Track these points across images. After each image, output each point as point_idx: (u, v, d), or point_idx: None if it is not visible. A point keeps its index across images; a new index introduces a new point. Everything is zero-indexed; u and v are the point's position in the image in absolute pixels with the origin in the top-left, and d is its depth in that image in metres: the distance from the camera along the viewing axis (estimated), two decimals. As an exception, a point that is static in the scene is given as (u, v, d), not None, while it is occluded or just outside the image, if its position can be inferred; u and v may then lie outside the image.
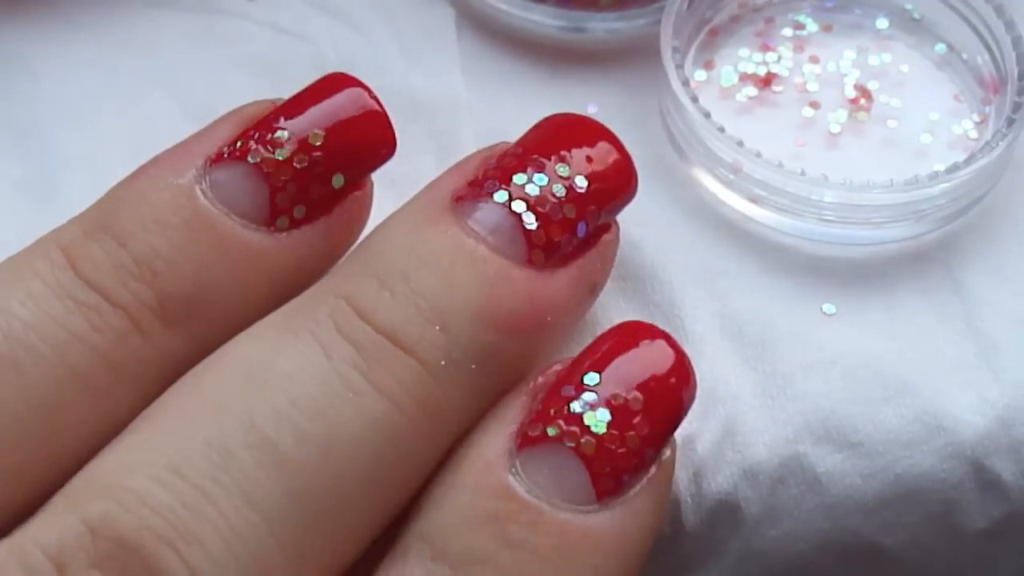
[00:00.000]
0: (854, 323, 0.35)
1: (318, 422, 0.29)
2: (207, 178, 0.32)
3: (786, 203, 0.36)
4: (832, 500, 0.34)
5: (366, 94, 0.33)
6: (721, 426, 0.34)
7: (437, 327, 0.30)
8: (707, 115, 0.37)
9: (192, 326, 0.31)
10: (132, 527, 0.28)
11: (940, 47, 0.40)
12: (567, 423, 0.30)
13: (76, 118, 0.38)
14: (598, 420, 0.30)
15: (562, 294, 0.32)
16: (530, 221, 0.32)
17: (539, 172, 0.33)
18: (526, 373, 0.32)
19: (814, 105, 0.38)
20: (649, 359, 0.31)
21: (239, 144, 0.32)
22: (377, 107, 0.33)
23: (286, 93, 0.34)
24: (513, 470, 0.30)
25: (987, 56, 0.39)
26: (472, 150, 0.37)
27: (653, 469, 0.31)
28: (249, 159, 0.32)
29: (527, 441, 0.30)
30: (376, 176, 0.35)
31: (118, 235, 0.31)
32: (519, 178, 0.32)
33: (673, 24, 0.38)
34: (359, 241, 0.34)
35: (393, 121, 0.35)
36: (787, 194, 0.36)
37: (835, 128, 0.38)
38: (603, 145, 0.34)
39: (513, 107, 0.39)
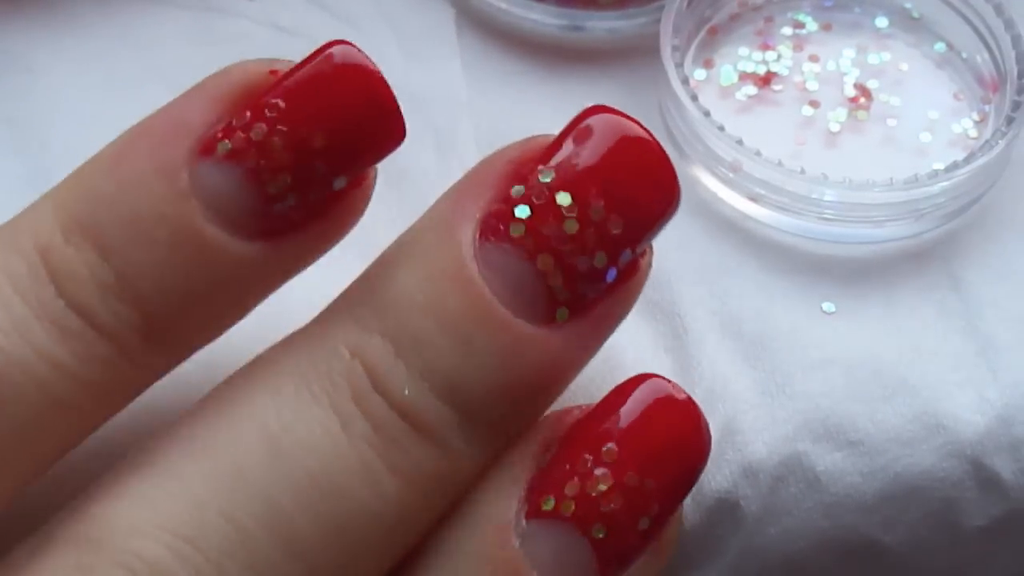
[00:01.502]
0: (854, 321, 0.35)
1: (334, 502, 0.28)
2: (195, 171, 0.29)
3: (786, 202, 0.36)
4: (832, 499, 0.34)
5: (368, 66, 0.31)
6: (721, 424, 0.34)
7: (450, 407, 0.29)
8: (707, 114, 0.37)
9: (175, 342, 0.30)
10: None
11: (939, 46, 0.40)
12: (579, 504, 0.29)
13: (75, 115, 0.38)
14: (611, 506, 0.29)
15: (581, 351, 0.30)
16: (557, 283, 0.30)
17: (570, 218, 0.29)
18: (538, 416, 0.31)
19: (814, 104, 0.38)
20: (670, 434, 0.30)
21: (229, 139, 0.29)
22: (374, 68, 0.31)
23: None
24: (519, 536, 0.29)
25: (986, 55, 0.39)
26: (472, 149, 0.38)
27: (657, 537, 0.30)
28: (238, 161, 0.29)
29: (536, 512, 0.29)
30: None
31: (100, 245, 0.29)
32: (547, 228, 0.29)
33: (673, 23, 0.38)
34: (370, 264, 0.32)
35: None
36: (787, 193, 0.36)
37: (835, 127, 0.38)
38: (647, 161, 0.30)
39: (513, 106, 0.39)
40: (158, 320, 0.29)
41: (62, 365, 0.28)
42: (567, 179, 0.30)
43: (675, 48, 0.38)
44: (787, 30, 0.40)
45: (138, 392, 0.30)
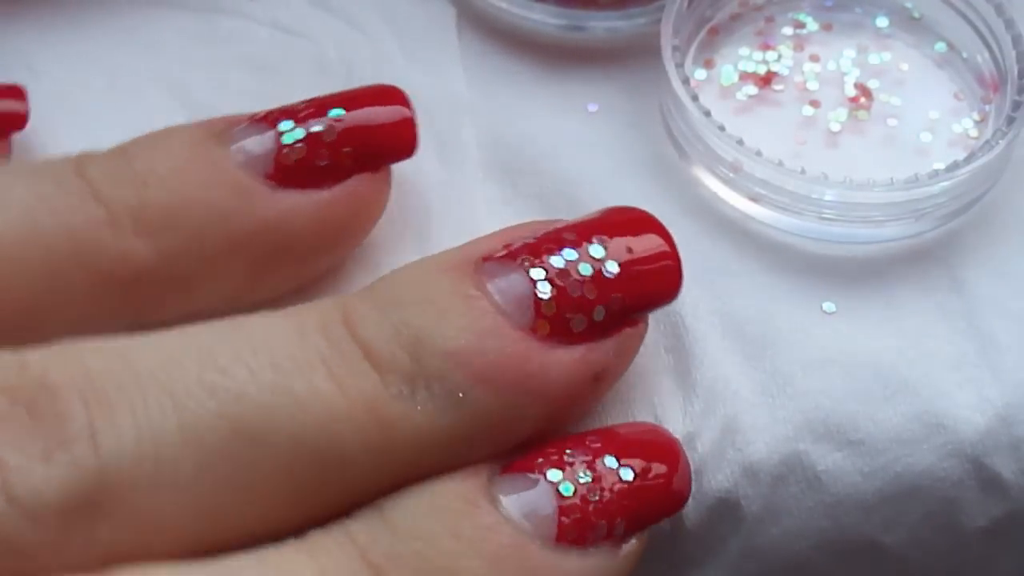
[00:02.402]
0: (854, 321, 0.35)
1: (268, 374, 0.30)
2: (227, 133, 0.33)
3: (786, 202, 0.36)
4: (832, 498, 0.34)
5: (404, 108, 0.35)
6: (721, 424, 0.34)
7: (409, 355, 0.30)
8: (707, 114, 0.37)
9: (163, 240, 0.32)
10: (61, 374, 0.29)
11: (940, 46, 0.40)
12: (554, 461, 0.31)
13: (76, 116, 0.38)
14: (585, 472, 0.30)
15: (557, 370, 0.31)
16: (544, 290, 0.31)
17: (572, 248, 0.32)
18: (505, 445, 0.31)
19: (814, 104, 0.38)
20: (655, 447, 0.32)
21: (268, 115, 0.34)
22: (409, 114, 0.35)
23: (286, 92, 0.35)
24: (488, 489, 0.30)
25: (987, 55, 0.39)
26: (472, 148, 0.38)
27: (618, 549, 0.31)
28: (272, 123, 0.33)
29: (510, 467, 0.31)
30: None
31: (128, 154, 0.33)
32: (549, 249, 0.32)
33: (673, 23, 0.38)
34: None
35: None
36: (787, 193, 0.36)
37: (835, 127, 0.38)
38: (653, 240, 0.33)
39: (513, 106, 0.39)
40: (152, 209, 0.32)
41: (54, 206, 0.32)
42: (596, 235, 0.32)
43: (675, 48, 0.38)
44: (787, 30, 0.40)
45: (113, 277, 0.32)
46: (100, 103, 0.38)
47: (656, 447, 0.32)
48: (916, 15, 0.40)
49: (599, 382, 0.32)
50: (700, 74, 0.39)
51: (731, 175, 0.37)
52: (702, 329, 0.35)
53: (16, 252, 0.31)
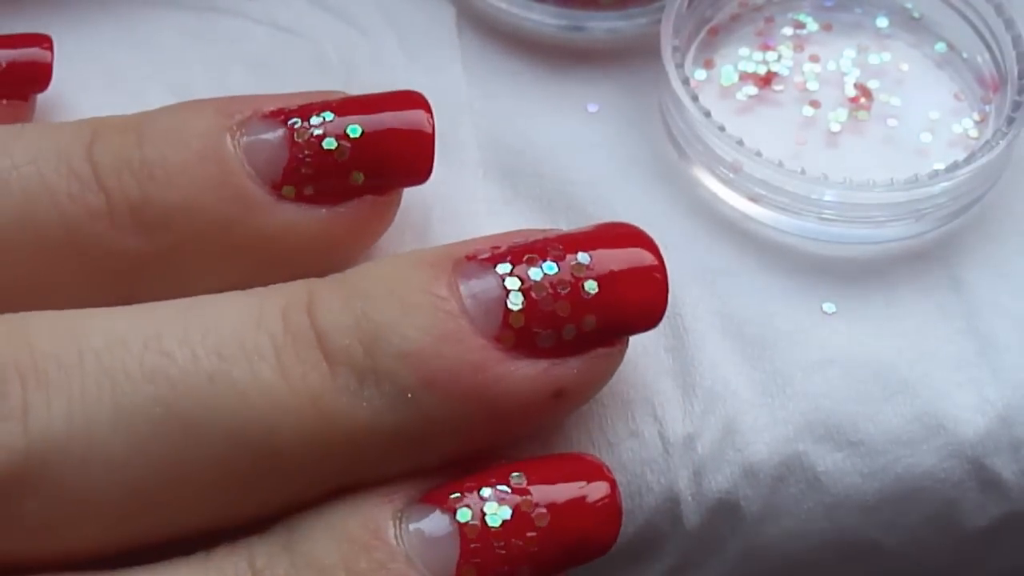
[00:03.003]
0: (854, 322, 0.35)
1: (212, 360, 0.30)
2: (244, 127, 0.33)
3: (786, 202, 0.36)
4: (832, 499, 0.34)
5: (425, 117, 0.34)
6: (721, 425, 0.34)
7: (364, 349, 0.30)
8: (707, 114, 0.37)
9: (159, 238, 0.32)
10: (4, 351, 0.29)
11: (940, 46, 0.40)
12: (467, 500, 0.30)
13: (76, 115, 0.38)
14: (496, 514, 0.30)
15: (514, 382, 0.30)
16: (515, 301, 0.31)
17: (554, 261, 0.31)
18: (453, 453, 0.31)
19: (814, 104, 0.38)
20: (581, 490, 0.31)
21: (286, 110, 0.33)
22: (429, 131, 0.33)
23: (286, 91, 0.34)
24: (397, 518, 0.30)
25: (987, 55, 0.39)
26: (472, 148, 0.38)
27: None
28: (286, 122, 0.33)
29: (425, 500, 0.30)
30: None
31: (141, 137, 0.32)
32: (531, 259, 0.31)
33: (673, 23, 0.38)
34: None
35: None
36: (787, 193, 0.36)
37: (835, 127, 0.38)
38: (641, 257, 0.32)
39: (513, 106, 0.39)
40: (154, 206, 0.32)
41: (54, 190, 0.32)
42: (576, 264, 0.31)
43: (675, 48, 0.38)
44: (787, 30, 0.40)
45: (105, 268, 0.32)
46: (100, 102, 0.38)
47: (589, 483, 0.31)
48: (916, 15, 0.40)
49: (560, 399, 0.31)
50: (700, 74, 0.39)
51: (731, 175, 0.37)
52: (702, 330, 0.35)
53: (12, 236, 0.32)
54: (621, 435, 0.34)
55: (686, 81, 0.37)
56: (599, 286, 0.31)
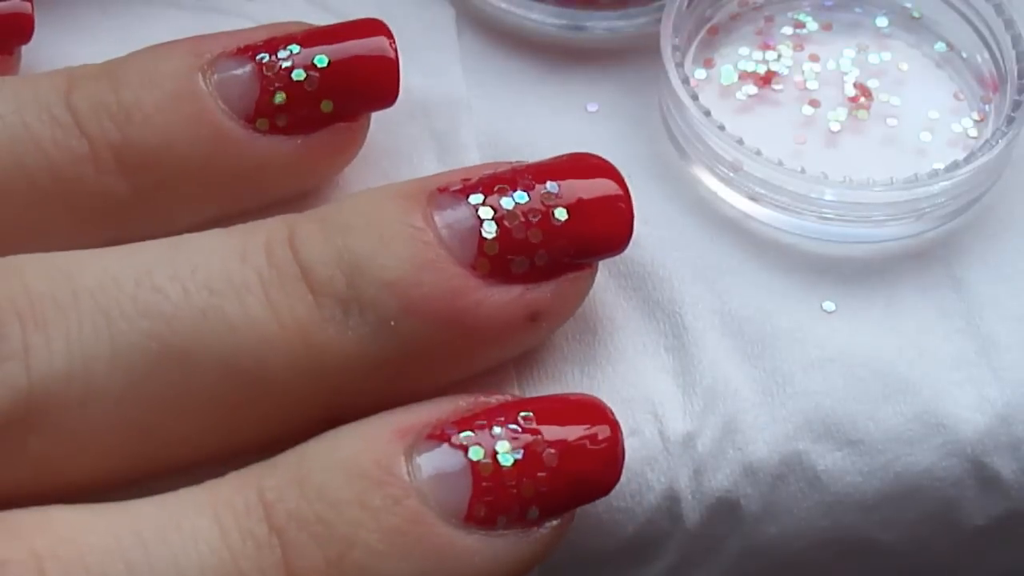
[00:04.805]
0: (854, 321, 0.35)
1: (203, 295, 0.30)
2: (214, 65, 0.34)
3: (786, 201, 0.36)
4: (832, 498, 0.34)
5: (387, 43, 0.35)
6: (721, 423, 0.34)
7: (346, 279, 0.31)
8: (707, 113, 0.37)
9: (142, 178, 0.33)
10: (1, 292, 0.30)
11: (940, 45, 0.40)
12: (478, 438, 0.30)
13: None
14: (508, 453, 0.30)
15: (491, 307, 0.32)
16: (489, 230, 0.32)
17: (524, 191, 0.32)
18: (438, 379, 0.32)
19: (814, 103, 0.38)
20: (587, 431, 0.31)
21: (253, 47, 0.34)
22: (392, 56, 0.35)
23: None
24: (409, 454, 0.30)
25: (987, 54, 0.39)
26: (472, 149, 0.38)
27: (535, 530, 0.30)
28: (254, 57, 0.34)
29: (434, 435, 0.30)
30: (376, 174, 0.35)
31: (116, 80, 0.34)
32: (501, 189, 0.32)
33: (673, 22, 0.38)
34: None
35: (393, 119, 0.35)
36: (787, 192, 0.36)
37: (835, 126, 0.38)
38: (607, 186, 0.33)
39: (513, 106, 0.39)
40: (134, 148, 0.33)
41: (39, 138, 0.33)
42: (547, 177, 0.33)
43: (675, 48, 0.38)
44: (787, 30, 0.40)
45: (92, 210, 0.33)
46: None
47: (593, 425, 0.31)
48: (916, 15, 0.40)
49: (536, 322, 0.33)
50: (700, 74, 0.39)
51: (731, 175, 0.37)
52: (702, 328, 0.35)
53: (2, 183, 0.33)
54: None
55: (686, 80, 0.37)
56: (568, 213, 0.32)
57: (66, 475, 0.30)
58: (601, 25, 0.40)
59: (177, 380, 0.30)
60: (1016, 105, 0.37)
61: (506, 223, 0.32)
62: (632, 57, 0.40)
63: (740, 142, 0.36)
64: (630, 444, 0.33)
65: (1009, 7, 0.39)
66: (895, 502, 0.34)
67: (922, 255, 0.37)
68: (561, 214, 0.32)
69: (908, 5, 0.40)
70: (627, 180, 0.37)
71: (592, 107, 0.39)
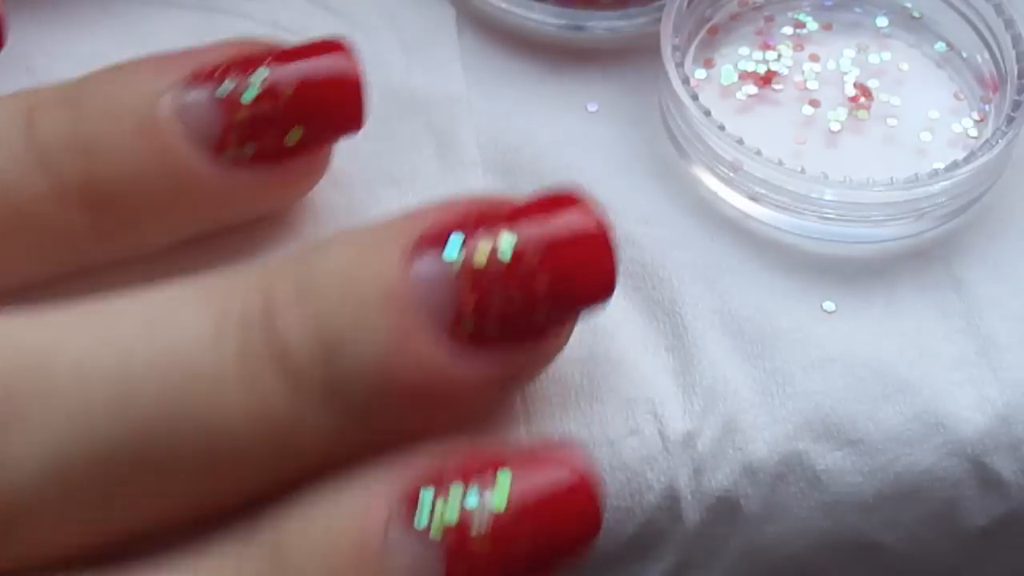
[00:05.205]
0: (854, 321, 0.35)
1: (176, 390, 0.29)
2: (178, 92, 0.33)
3: (786, 201, 0.36)
4: (832, 498, 0.34)
5: (352, 66, 0.34)
6: (721, 423, 0.34)
7: (324, 361, 0.30)
8: (707, 113, 0.37)
9: (104, 215, 0.32)
10: None
11: (940, 45, 0.40)
12: (452, 519, 0.29)
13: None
14: (479, 528, 0.29)
15: (467, 380, 0.30)
16: (468, 301, 0.30)
17: (506, 258, 0.30)
18: (409, 442, 0.30)
19: (814, 103, 0.38)
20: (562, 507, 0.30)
21: (217, 71, 0.33)
22: (357, 80, 0.34)
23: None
24: (386, 528, 0.29)
25: (987, 54, 0.39)
26: (472, 148, 0.38)
27: None
28: (217, 89, 0.33)
29: (407, 522, 0.29)
30: (375, 174, 0.35)
31: (78, 110, 0.33)
32: (483, 244, 0.30)
33: (673, 22, 0.38)
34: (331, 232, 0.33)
35: (393, 118, 0.35)
36: (787, 192, 0.36)
37: (835, 126, 0.38)
38: (595, 248, 0.31)
39: (513, 106, 0.39)
40: (97, 186, 0.32)
41: (1, 176, 0.32)
42: (521, 232, 0.31)
43: (675, 48, 0.38)
44: (787, 29, 0.40)
45: (52, 247, 0.32)
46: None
47: (566, 501, 0.30)
48: (916, 15, 0.40)
49: (508, 386, 0.32)
50: (700, 73, 0.39)
51: (731, 174, 0.37)
52: (702, 328, 0.35)
53: None
54: (621, 433, 0.34)
55: (686, 80, 0.37)
56: (550, 282, 0.30)
57: (30, 557, 0.29)
58: (601, 25, 0.40)
59: (152, 478, 0.29)
60: (1016, 105, 0.37)
61: (486, 294, 0.30)
62: (632, 57, 0.40)
63: (740, 142, 0.36)
64: (630, 444, 0.33)
65: (1009, 7, 0.39)
66: (895, 502, 0.34)
67: (922, 255, 0.37)
68: (543, 282, 0.30)
69: (908, 5, 0.40)
70: (626, 180, 0.37)
71: (592, 107, 0.39)
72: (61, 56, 0.39)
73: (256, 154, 0.33)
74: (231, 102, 0.33)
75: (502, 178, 0.37)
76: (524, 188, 0.37)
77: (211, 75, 0.33)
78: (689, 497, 0.34)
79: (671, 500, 0.34)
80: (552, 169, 0.37)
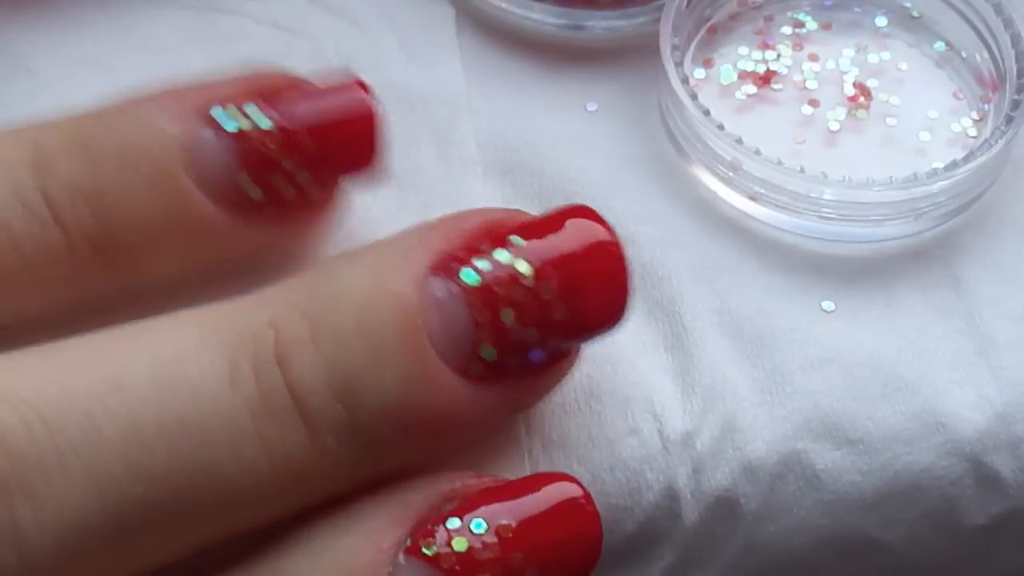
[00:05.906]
0: (853, 320, 0.35)
1: (194, 447, 0.29)
2: (189, 137, 0.32)
3: (785, 200, 0.36)
4: (831, 497, 0.34)
5: (368, 108, 0.33)
6: (720, 422, 0.34)
7: (339, 404, 0.29)
8: (706, 113, 0.37)
9: (120, 267, 0.32)
10: None
11: (939, 45, 0.40)
12: (460, 561, 0.29)
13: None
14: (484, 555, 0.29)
15: (480, 415, 0.30)
16: (485, 338, 0.30)
17: (522, 286, 0.30)
18: (414, 471, 0.31)
19: (813, 103, 0.38)
20: (569, 540, 0.30)
21: (230, 109, 0.33)
22: (371, 122, 0.33)
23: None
24: (391, 566, 0.29)
25: (986, 54, 0.39)
26: (471, 148, 0.38)
27: None
28: (229, 128, 0.32)
29: (416, 552, 0.29)
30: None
31: (90, 157, 0.32)
32: (499, 286, 0.30)
33: (673, 22, 0.38)
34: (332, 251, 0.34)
35: (393, 117, 0.35)
36: (786, 191, 0.36)
37: (834, 126, 0.38)
38: (611, 271, 0.31)
39: (513, 105, 0.39)
40: (111, 239, 0.32)
41: (12, 231, 0.31)
42: (533, 253, 0.30)
43: (675, 47, 0.38)
44: (787, 29, 0.40)
45: (69, 300, 0.32)
46: (100, 102, 0.38)
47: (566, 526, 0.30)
48: (915, 14, 0.40)
49: (515, 413, 0.32)
50: (699, 73, 0.39)
51: (730, 174, 0.37)
52: (701, 327, 0.35)
53: None
54: (620, 432, 0.34)
55: (685, 80, 0.37)
56: (568, 308, 0.30)
57: None
58: (601, 25, 0.40)
59: (167, 528, 0.29)
60: (1015, 105, 0.37)
61: (502, 329, 0.30)
62: (632, 57, 0.40)
63: (739, 141, 0.36)
64: (629, 443, 0.33)
65: (1008, 7, 0.39)
66: (894, 501, 0.34)
67: (921, 254, 0.37)
68: (560, 314, 0.30)
69: (907, 5, 0.40)
70: (626, 179, 0.37)
71: (592, 107, 0.39)
72: (61, 55, 0.39)
73: (269, 198, 0.33)
74: (243, 146, 0.32)
75: (502, 177, 0.37)
76: (524, 187, 0.37)
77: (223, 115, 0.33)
78: (688, 496, 0.34)
79: (670, 499, 0.34)
80: (552, 168, 0.37)
